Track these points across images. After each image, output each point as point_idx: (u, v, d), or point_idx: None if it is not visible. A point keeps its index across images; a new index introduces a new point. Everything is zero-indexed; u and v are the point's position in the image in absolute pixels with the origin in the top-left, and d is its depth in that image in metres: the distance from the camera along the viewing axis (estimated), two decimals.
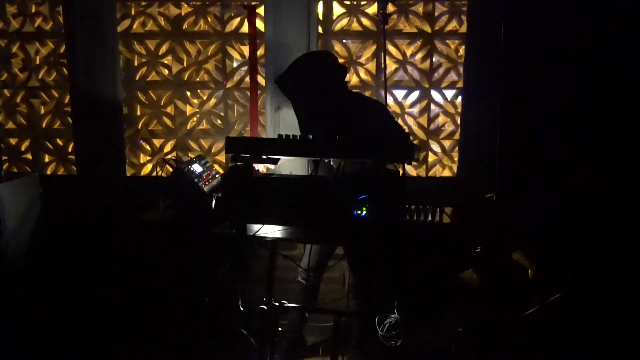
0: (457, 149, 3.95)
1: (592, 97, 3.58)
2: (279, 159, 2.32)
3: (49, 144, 4.03)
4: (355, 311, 2.88)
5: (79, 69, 3.78)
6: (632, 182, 3.50)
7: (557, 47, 3.57)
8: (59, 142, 4.03)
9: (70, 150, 4.01)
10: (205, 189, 2.40)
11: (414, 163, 2.85)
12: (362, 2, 3.83)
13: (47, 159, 4.07)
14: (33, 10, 3.91)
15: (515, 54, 3.61)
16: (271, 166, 2.40)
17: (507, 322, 2.80)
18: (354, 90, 2.98)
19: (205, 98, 3.98)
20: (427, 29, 3.84)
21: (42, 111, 4.03)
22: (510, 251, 3.18)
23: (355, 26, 3.87)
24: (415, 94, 3.95)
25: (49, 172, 4.05)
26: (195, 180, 2.40)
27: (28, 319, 3.18)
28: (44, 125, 4.02)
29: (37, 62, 3.98)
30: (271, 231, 2.27)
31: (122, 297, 3.46)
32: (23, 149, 4.05)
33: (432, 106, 3.95)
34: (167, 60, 3.97)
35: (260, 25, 3.77)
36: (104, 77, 3.80)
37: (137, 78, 3.95)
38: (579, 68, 3.57)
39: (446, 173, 4.02)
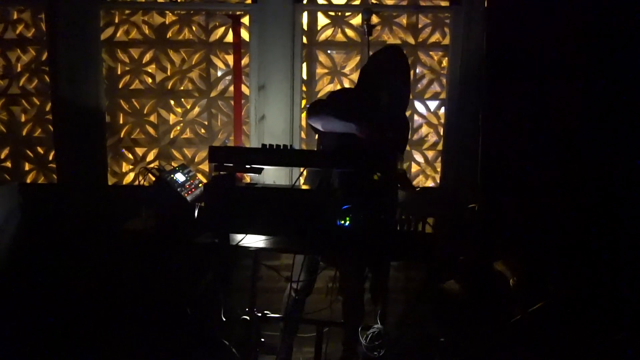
0: (440, 159, 3.98)
1: (576, 108, 3.64)
2: (262, 169, 2.32)
3: (29, 152, 3.97)
4: (339, 322, 2.87)
5: (61, 76, 3.74)
6: (613, 192, 3.55)
7: (540, 59, 3.63)
8: (40, 150, 3.98)
9: (51, 158, 3.96)
10: (188, 198, 2.38)
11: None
12: (347, 13, 3.86)
13: (27, 167, 4.01)
14: (15, 17, 3.87)
15: (498, 66, 3.67)
16: (254, 175, 2.40)
17: (489, 332, 2.81)
18: None
19: (189, 107, 3.96)
20: (411, 40, 3.88)
21: (23, 119, 3.98)
22: (492, 261, 3.21)
23: (340, 37, 3.89)
24: None
25: (29, 181, 3.98)
26: (178, 189, 2.39)
27: (6, 329, 3.11)
28: (24, 133, 3.96)
29: (19, 69, 3.93)
30: (254, 241, 2.26)
31: (103, 308, 3.42)
32: (2, 157, 3.98)
33: (416, 117, 3.98)
34: (151, 68, 3.95)
35: (245, 34, 3.78)
36: (87, 85, 3.76)
37: (120, 86, 3.92)
38: (562, 80, 3.64)
39: (429, 183, 4.05)
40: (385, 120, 2.62)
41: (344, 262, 2.77)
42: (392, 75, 2.67)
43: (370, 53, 2.96)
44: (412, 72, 3.89)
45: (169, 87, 3.93)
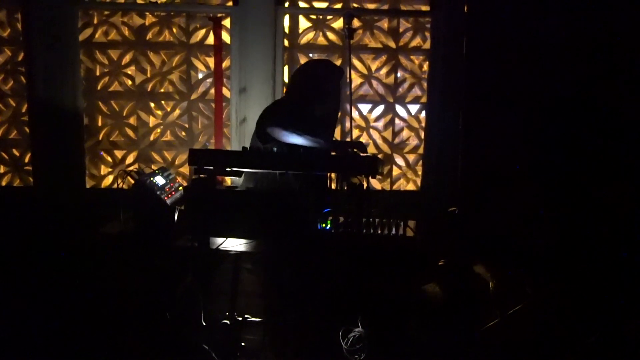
0: (420, 162, 4.01)
1: (559, 111, 3.69)
2: (243, 172, 2.30)
3: (4, 154, 3.89)
4: (320, 325, 2.86)
5: (38, 77, 3.68)
6: (594, 196, 3.61)
7: (520, 62, 3.67)
8: (15, 152, 3.90)
9: (27, 160, 3.88)
10: (168, 201, 2.36)
11: (378, 176, 2.87)
12: (328, 17, 3.86)
13: (2, 169, 3.93)
14: None
15: (478, 70, 3.71)
16: (235, 178, 2.38)
17: (469, 335, 2.83)
18: None
19: (169, 109, 3.93)
20: (392, 44, 3.90)
21: None
22: (472, 264, 3.23)
23: (321, 40, 3.90)
24: (380, 108, 4.00)
25: (4, 183, 3.91)
26: (158, 192, 2.36)
27: None
28: None
29: None
30: (235, 244, 2.24)
31: (80, 312, 3.36)
32: None
33: (397, 120, 4.00)
34: (130, 70, 3.90)
35: (226, 37, 3.76)
36: (64, 86, 3.71)
37: (99, 88, 3.88)
38: (543, 83, 3.68)
39: (410, 187, 4.07)
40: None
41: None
42: (330, 87, 2.71)
43: (352, 57, 2.98)
44: (393, 77, 3.93)
45: (149, 89, 3.89)
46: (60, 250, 3.53)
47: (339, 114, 3.05)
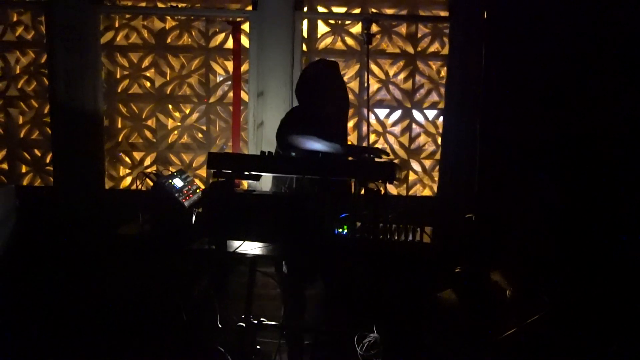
0: (437, 168, 3.99)
1: (575, 118, 3.65)
2: (261, 176, 2.31)
3: (26, 155, 3.96)
4: (336, 330, 2.86)
5: (60, 79, 3.74)
6: (609, 204, 3.56)
7: (538, 69, 3.65)
8: (37, 152, 3.97)
9: (48, 161, 3.95)
10: (186, 203, 2.37)
11: (395, 182, 2.86)
12: (347, 22, 3.87)
13: (23, 169, 4.00)
14: (15, 19, 3.87)
15: (496, 76, 3.69)
16: (252, 182, 2.40)
17: (485, 343, 2.81)
18: None
19: (187, 112, 3.96)
20: (410, 49, 3.89)
21: (20, 121, 3.97)
22: (489, 271, 3.21)
23: (340, 45, 3.90)
24: (397, 114, 3.99)
25: (25, 183, 3.97)
26: (176, 194, 2.38)
27: (1, 331, 3.09)
28: (21, 135, 3.95)
29: (17, 71, 3.93)
30: (251, 248, 2.25)
31: (98, 312, 3.39)
32: None
33: (414, 126, 3.99)
34: (150, 73, 3.95)
35: (244, 41, 3.78)
36: (85, 88, 3.76)
37: (119, 90, 3.92)
38: (560, 90, 3.65)
39: (426, 192, 4.05)
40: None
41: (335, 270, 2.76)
42: (331, 86, 2.71)
43: (370, 62, 2.97)
44: (411, 82, 3.92)
45: (168, 92, 3.93)
46: (78, 249, 3.57)
47: (350, 110, 3.01)
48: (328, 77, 2.72)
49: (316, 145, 2.54)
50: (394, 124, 4.03)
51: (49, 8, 3.72)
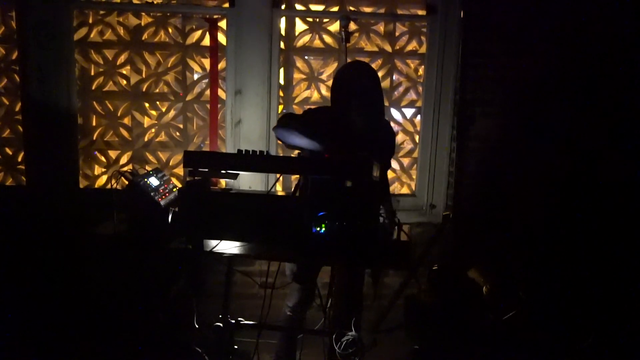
0: (415, 166, 4.01)
1: (554, 116, 3.71)
2: (238, 174, 2.30)
3: None
4: (314, 329, 2.86)
5: (32, 76, 3.66)
6: (585, 200, 3.63)
7: (515, 67, 3.70)
8: (8, 151, 3.87)
9: (19, 159, 3.85)
10: (162, 202, 2.35)
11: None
12: (325, 20, 3.86)
13: None
14: None
15: (473, 74, 3.73)
16: (230, 181, 2.38)
17: (462, 339, 2.84)
18: None
19: (164, 110, 3.91)
20: (388, 48, 3.90)
21: None
22: (465, 269, 3.24)
23: (318, 43, 3.89)
24: None
25: None
26: (152, 193, 2.35)
27: None
28: None
29: None
30: (229, 247, 2.23)
31: (73, 312, 3.34)
32: None
33: (392, 124, 3.99)
34: (126, 70, 3.88)
35: (222, 38, 3.75)
36: (59, 85, 3.68)
37: (94, 88, 3.85)
38: (538, 88, 3.71)
39: (405, 190, 4.07)
40: (357, 137, 2.60)
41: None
42: (361, 90, 2.65)
43: (348, 60, 2.97)
44: (389, 80, 3.93)
45: (144, 90, 3.87)
46: (53, 250, 3.51)
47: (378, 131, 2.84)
48: (357, 83, 2.70)
49: (296, 140, 2.55)
50: None
51: (21, 3, 3.63)
